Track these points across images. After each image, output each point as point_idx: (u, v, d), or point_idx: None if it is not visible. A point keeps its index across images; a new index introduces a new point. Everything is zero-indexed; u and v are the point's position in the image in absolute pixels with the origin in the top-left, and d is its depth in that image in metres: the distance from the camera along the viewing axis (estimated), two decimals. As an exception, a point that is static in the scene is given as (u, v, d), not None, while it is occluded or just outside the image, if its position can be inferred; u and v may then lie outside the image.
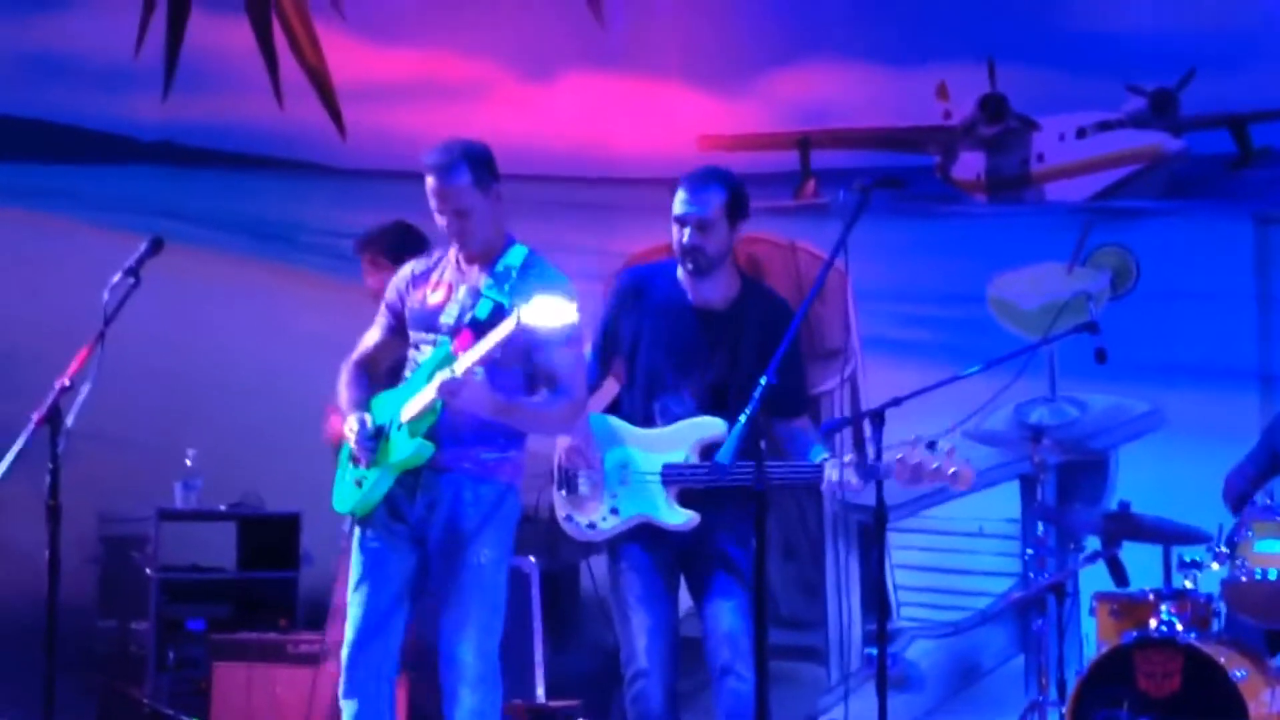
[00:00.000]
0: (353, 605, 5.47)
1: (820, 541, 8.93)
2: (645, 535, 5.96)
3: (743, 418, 5.23)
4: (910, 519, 8.60)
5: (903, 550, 8.74)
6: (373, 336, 5.74)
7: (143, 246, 5.77)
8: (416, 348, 5.56)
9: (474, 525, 5.41)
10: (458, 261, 5.58)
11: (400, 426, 5.40)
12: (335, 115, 9.37)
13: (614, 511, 5.94)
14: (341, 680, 5.45)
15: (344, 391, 5.64)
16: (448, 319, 5.50)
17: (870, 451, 5.89)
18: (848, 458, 5.76)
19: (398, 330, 5.66)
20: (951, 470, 5.72)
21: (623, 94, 9.34)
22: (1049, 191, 9.12)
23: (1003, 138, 9.10)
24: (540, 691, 7.84)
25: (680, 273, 5.98)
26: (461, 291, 5.52)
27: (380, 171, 9.40)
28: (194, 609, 8.21)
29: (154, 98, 9.27)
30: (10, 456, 5.36)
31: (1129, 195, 8.95)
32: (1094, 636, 7.32)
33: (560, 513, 6.03)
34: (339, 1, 9.38)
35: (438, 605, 5.45)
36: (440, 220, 5.52)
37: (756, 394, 5.26)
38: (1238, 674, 6.76)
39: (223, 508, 8.54)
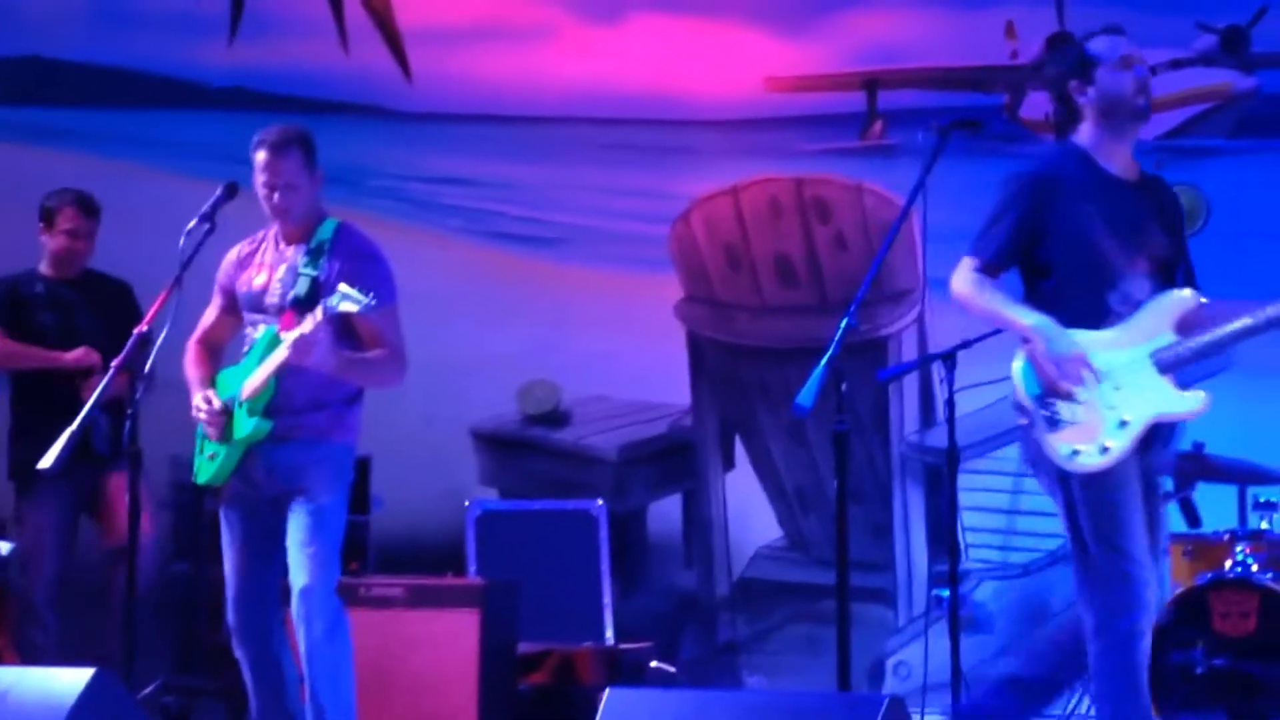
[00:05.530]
0: (226, 569, 6.00)
1: (888, 484, 8.92)
2: (1128, 458, 5.46)
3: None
4: (979, 460, 8.57)
5: (970, 492, 8.70)
6: (209, 316, 6.18)
7: (218, 192, 5.82)
8: (253, 326, 6.01)
9: (311, 480, 5.89)
10: (276, 241, 6.02)
11: (241, 404, 5.85)
12: (401, 59, 9.34)
13: (1122, 425, 5.38)
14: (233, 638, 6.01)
15: (190, 370, 6.10)
16: (273, 299, 5.94)
17: (943, 392, 5.82)
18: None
19: (231, 309, 6.11)
20: None
21: (688, 36, 9.27)
22: (1118, 131, 9.02)
23: (1071, 77, 9.00)
24: (609, 634, 7.87)
25: (1089, 144, 5.58)
26: (281, 270, 5.96)
27: (446, 115, 9.40)
28: (267, 553, 8.24)
29: (221, 43, 9.30)
30: (90, 403, 5.39)
31: (1199, 134, 8.85)
32: (1167, 578, 7.31)
33: (1063, 451, 5.40)
34: (403, -57, 9.37)
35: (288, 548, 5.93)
36: (267, 196, 5.92)
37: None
38: (1314, 614, 6.76)
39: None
